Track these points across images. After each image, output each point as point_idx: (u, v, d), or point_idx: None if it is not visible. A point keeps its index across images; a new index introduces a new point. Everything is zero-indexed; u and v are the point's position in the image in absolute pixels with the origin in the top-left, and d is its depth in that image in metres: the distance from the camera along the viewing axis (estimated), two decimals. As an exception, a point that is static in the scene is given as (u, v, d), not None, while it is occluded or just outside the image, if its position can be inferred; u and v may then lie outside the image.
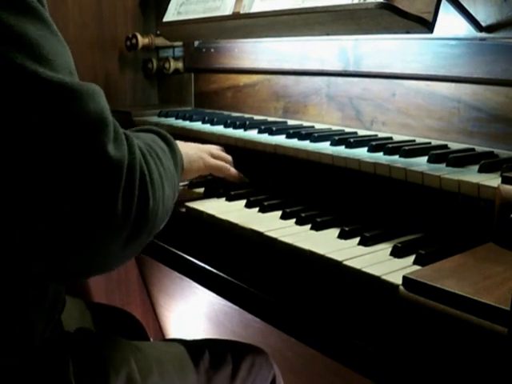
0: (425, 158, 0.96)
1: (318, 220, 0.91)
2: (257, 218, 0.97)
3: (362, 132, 1.23)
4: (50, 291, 0.82)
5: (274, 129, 1.23)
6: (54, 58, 0.61)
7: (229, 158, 1.19)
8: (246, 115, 1.52)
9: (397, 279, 0.69)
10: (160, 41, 1.74)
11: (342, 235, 0.86)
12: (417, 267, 0.73)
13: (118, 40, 1.79)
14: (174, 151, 0.91)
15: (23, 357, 0.80)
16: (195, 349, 1.09)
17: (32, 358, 0.83)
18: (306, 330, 0.80)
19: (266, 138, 1.20)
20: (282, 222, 0.95)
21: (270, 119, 1.45)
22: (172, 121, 1.51)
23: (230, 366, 1.10)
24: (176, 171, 0.89)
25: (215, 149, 1.18)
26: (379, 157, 0.99)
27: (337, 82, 1.31)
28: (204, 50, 1.69)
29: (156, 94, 1.93)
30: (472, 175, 0.85)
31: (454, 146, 1.06)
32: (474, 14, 1.01)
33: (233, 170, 1.18)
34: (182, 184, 1.20)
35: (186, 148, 1.04)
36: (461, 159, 0.92)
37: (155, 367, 0.99)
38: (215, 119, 1.40)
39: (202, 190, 1.12)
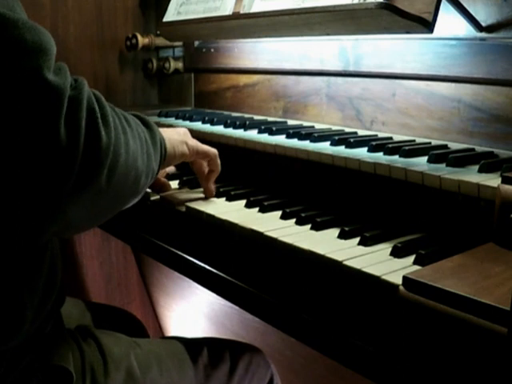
0: (425, 158, 0.96)
1: (318, 220, 0.91)
2: (257, 218, 0.97)
3: (361, 132, 1.23)
4: (44, 270, 0.81)
5: (273, 129, 1.23)
6: None
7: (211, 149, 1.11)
8: (246, 115, 1.52)
9: (397, 279, 0.69)
10: (160, 41, 1.74)
11: (342, 235, 0.86)
12: (417, 267, 0.73)
13: (118, 40, 1.79)
14: (152, 132, 0.88)
15: (12, 340, 0.79)
16: (193, 346, 1.10)
17: (24, 344, 0.82)
18: (306, 329, 0.80)
19: (265, 138, 1.20)
20: (282, 222, 0.95)
21: (270, 119, 1.45)
22: (172, 121, 1.51)
23: (228, 363, 1.11)
24: (154, 146, 0.86)
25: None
26: (379, 157, 0.99)
27: (337, 82, 1.31)
28: (204, 49, 1.69)
29: (156, 94, 1.93)
30: (472, 175, 0.85)
31: (454, 145, 1.06)
32: (474, 14, 1.01)
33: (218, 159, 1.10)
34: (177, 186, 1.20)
35: (168, 133, 1.00)
36: (461, 159, 0.92)
37: (154, 363, 1.00)
38: (215, 119, 1.40)
39: (201, 189, 1.11)
